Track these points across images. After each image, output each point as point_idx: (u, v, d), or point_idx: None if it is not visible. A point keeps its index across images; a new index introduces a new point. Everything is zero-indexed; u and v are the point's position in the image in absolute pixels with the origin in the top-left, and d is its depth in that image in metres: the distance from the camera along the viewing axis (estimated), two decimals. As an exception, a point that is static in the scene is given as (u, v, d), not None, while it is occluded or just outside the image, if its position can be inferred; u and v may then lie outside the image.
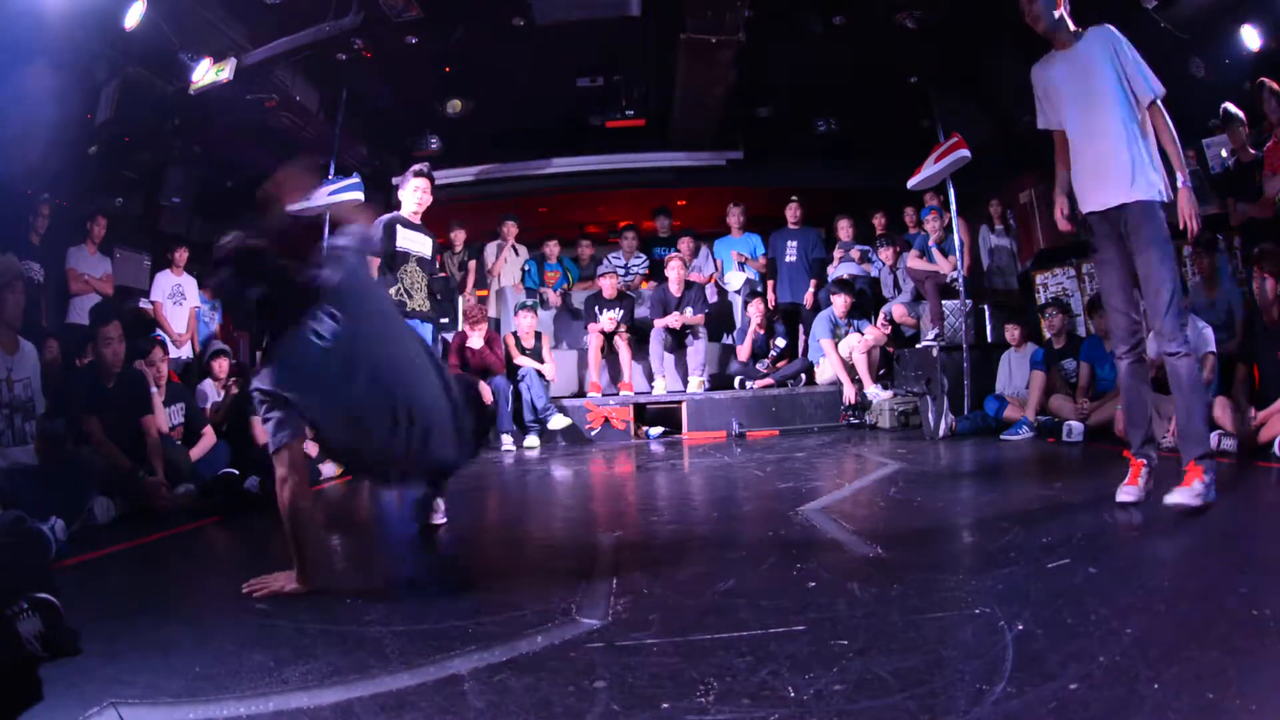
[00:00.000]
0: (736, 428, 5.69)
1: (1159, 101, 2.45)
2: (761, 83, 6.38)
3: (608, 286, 6.39)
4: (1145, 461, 2.51)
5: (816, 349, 6.06)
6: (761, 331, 6.40)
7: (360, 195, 5.26)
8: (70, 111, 5.03)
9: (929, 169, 5.28)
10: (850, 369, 5.84)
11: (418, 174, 4.21)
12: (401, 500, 3.22)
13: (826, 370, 6.01)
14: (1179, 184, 2.46)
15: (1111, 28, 2.54)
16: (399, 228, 4.12)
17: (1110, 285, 2.57)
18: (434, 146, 6.94)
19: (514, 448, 5.52)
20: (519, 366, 5.79)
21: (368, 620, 1.65)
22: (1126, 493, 2.45)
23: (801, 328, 6.55)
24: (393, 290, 4.08)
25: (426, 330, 4.25)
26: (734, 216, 6.94)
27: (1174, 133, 2.46)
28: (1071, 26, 2.56)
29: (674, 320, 6.16)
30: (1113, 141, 2.46)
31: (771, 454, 4.33)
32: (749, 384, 6.26)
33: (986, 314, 6.19)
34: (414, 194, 4.17)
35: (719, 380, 6.57)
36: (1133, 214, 2.43)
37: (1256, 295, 3.61)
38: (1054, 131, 2.68)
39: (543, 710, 1.16)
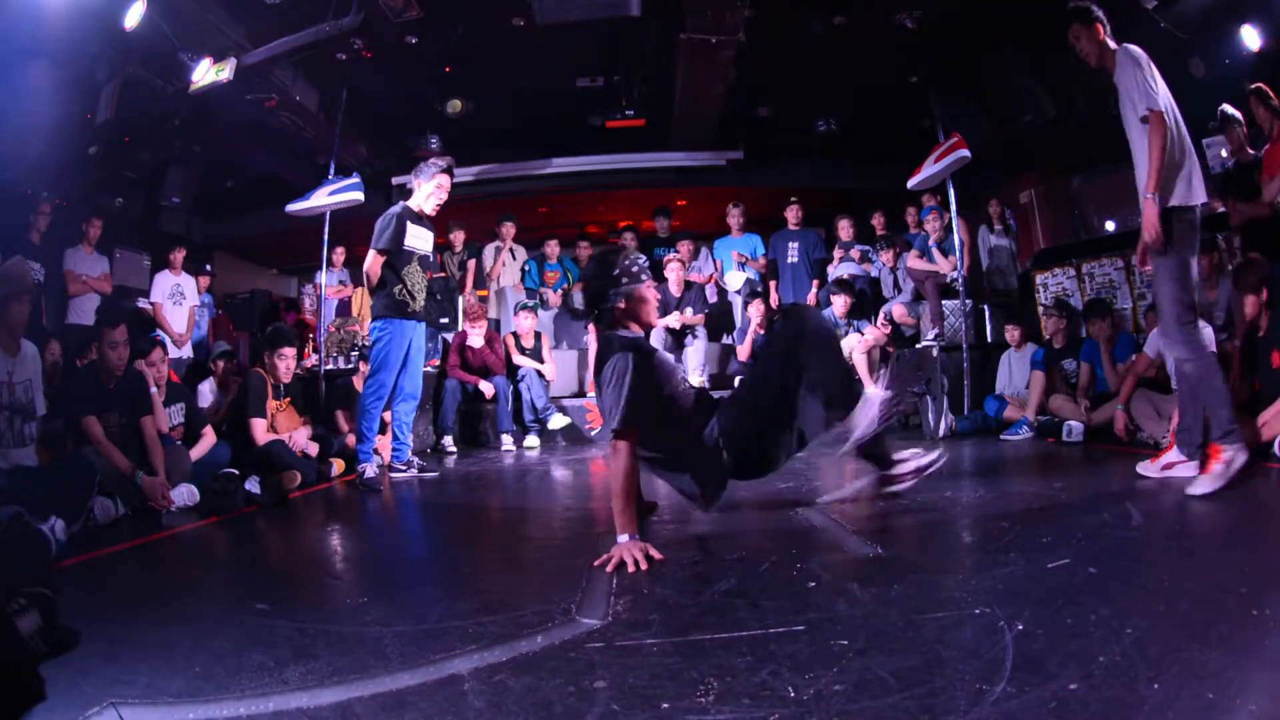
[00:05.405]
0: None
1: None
2: (761, 83, 6.38)
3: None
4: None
5: (817, 349, 6.05)
6: (762, 331, 6.40)
7: (360, 195, 5.25)
8: (70, 111, 5.04)
9: (929, 169, 5.27)
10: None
11: (445, 170, 4.04)
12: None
13: (826, 370, 6.00)
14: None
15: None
16: (409, 224, 3.94)
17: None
18: (434, 146, 6.95)
19: (514, 448, 5.52)
20: (519, 366, 5.79)
21: (368, 620, 1.65)
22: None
23: (802, 328, 6.55)
24: (395, 290, 3.92)
25: (421, 331, 4.09)
26: (734, 217, 6.94)
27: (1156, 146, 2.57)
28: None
29: (674, 320, 6.16)
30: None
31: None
32: (749, 384, 6.26)
33: (986, 314, 6.19)
34: (437, 191, 4.02)
35: (719, 380, 6.56)
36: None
37: (1244, 309, 3.66)
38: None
39: (543, 710, 1.15)
